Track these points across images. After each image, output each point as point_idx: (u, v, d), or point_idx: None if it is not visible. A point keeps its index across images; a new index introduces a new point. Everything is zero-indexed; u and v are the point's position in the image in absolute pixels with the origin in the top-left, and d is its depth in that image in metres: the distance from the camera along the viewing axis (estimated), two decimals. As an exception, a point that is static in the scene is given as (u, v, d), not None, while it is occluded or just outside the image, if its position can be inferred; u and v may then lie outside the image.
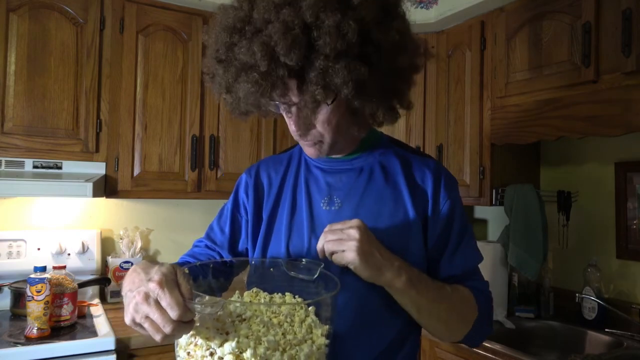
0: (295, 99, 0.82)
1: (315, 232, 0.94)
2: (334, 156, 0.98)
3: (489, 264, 2.14)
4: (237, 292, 0.85)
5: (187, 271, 0.73)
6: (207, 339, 0.67)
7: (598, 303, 1.92)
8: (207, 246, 1.07)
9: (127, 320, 0.67)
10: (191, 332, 0.68)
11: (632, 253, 1.94)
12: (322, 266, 0.82)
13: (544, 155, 2.33)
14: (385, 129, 1.05)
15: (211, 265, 0.92)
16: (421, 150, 2.35)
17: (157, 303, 0.64)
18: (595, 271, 1.97)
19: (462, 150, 2.22)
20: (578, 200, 2.12)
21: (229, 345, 0.65)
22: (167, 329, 0.63)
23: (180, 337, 0.69)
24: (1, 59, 1.90)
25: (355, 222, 0.80)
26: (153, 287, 0.64)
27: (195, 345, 0.68)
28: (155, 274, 0.66)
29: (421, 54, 0.91)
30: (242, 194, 1.06)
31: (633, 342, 1.76)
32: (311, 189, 0.98)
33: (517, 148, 2.15)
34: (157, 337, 0.65)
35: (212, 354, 0.66)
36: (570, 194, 2.11)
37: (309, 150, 0.92)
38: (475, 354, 1.74)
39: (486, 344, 1.73)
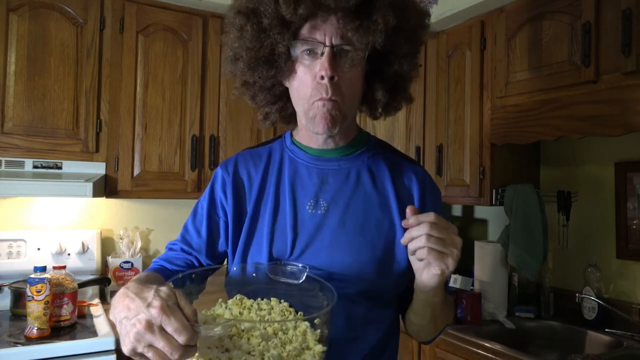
0: (336, 40, 0.83)
1: (299, 236, 0.89)
2: (325, 148, 0.94)
3: (489, 264, 2.14)
4: (219, 300, 0.81)
5: (172, 285, 0.69)
6: None
7: (598, 303, 1.92)
8: (182, 250, 0.98)
9: (126, 350, 0.63)
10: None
11: (632, 253, 1.94)
12: (307, 270, 0.82)
13: (544, 155, 2.32)
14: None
15: (193, 275, 0.86)
16: (418, 150, 2.35)
17: (162, 330, 0.60)
18: (595, 271, 1.97)
19: (462, 150, 2.22)
20: (578, 200, 2.12)
21: None
22: (176, 356, 0.60)
23: None
24: (1, 59, 1.90)
25: (455, 229, 0.78)
26: (155, 313, 0.60)
27: None
28: (154, 299, 0.62)
29: (419, 56, 0.95)
30: (219, 193, 0.96)
31: (633, 342, 1.76)
32: (296, 190, 0.92)
33: (517, 148, 2.15)
34: None
35: None
36: (570, 194, 2.11)
37: (321, 123, 0.85)
38: (475, 354, 1.74)
39: (486, 344, 1.73)
